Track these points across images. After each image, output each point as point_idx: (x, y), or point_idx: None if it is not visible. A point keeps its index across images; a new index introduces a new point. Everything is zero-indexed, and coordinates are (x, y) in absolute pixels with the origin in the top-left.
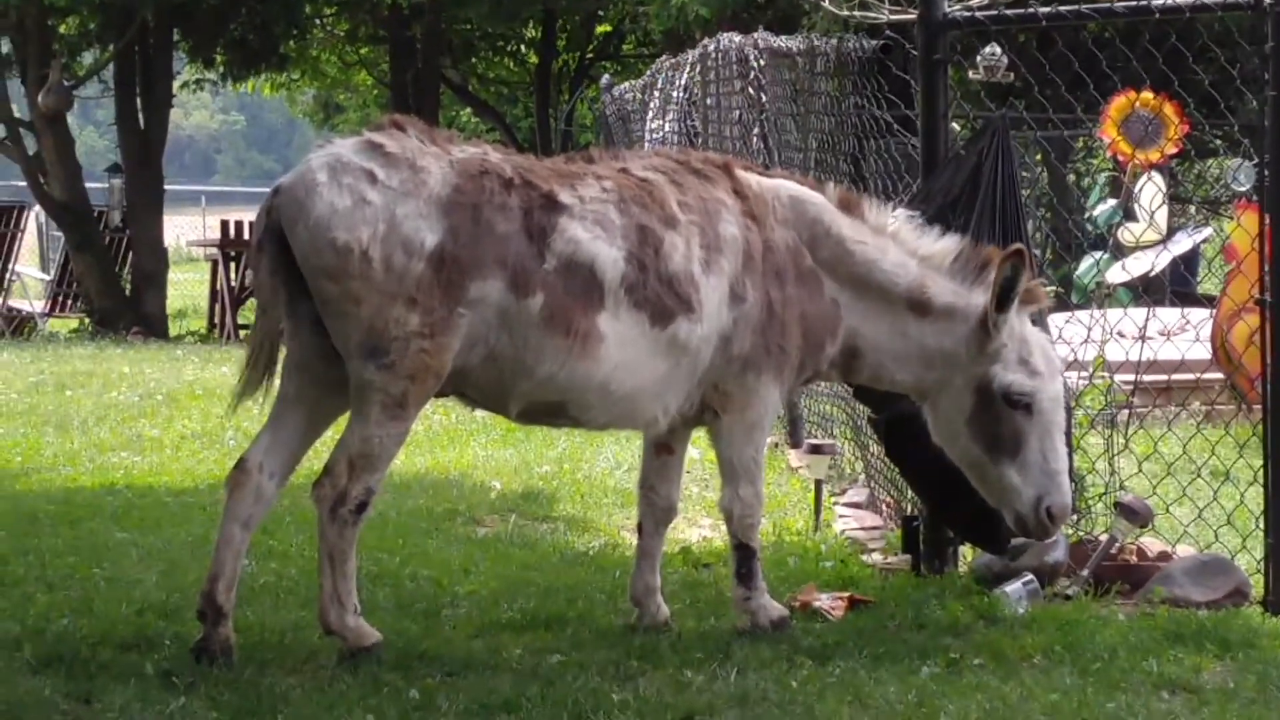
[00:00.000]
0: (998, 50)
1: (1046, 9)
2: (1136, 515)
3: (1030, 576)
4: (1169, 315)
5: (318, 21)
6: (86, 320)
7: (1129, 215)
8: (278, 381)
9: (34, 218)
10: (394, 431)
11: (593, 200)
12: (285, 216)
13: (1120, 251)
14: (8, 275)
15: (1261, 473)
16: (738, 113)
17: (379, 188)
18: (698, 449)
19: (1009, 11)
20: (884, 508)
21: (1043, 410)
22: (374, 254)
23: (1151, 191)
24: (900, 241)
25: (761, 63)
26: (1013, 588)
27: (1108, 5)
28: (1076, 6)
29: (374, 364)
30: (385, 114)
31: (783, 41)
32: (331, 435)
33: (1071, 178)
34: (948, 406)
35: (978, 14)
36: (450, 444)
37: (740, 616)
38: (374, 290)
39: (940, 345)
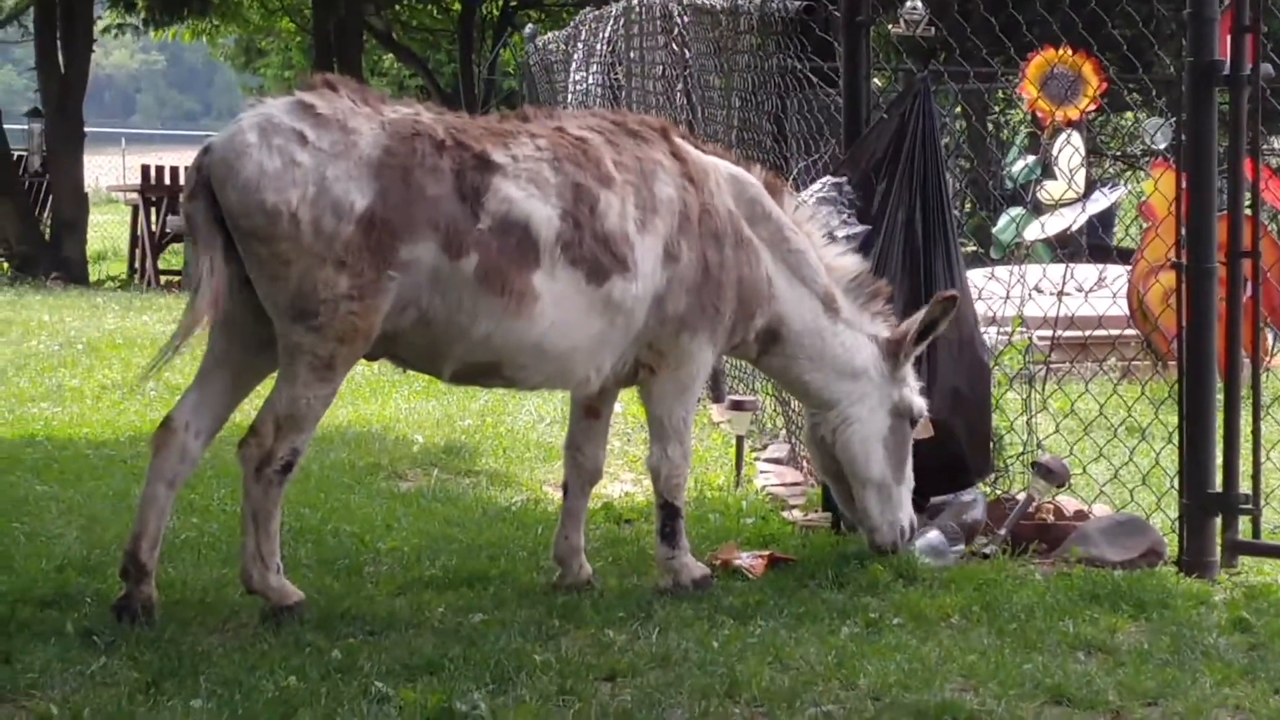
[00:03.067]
0: (919, 5)
1: None
2: (1054, 475)
3: (939, 534)
4: (1086, 272)
5: None
6: (5, 265)
7: (1047, 173)
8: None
9: None
10: (321, 393)
11: (527, 159)
12: (215, 177)
13: (1039, 209)
14: None
15: (1176, 432)
16: (661, 68)
17: (309, 149)
18: (620, 403)
19: None
20: (804, 464)
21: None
22: (303, 216)
23: (1070, 151)
24: (812, 237)
25: (685, 19)
26: (922, 542)
27: None
28: None
29: (302, 325)
30: (307, 59)
31: None
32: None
33: (990, 128)
34: (863, 424)
35: None
36: (373, 396)
37: (662, 575)
38: (303, 252)
39: (851, 357)
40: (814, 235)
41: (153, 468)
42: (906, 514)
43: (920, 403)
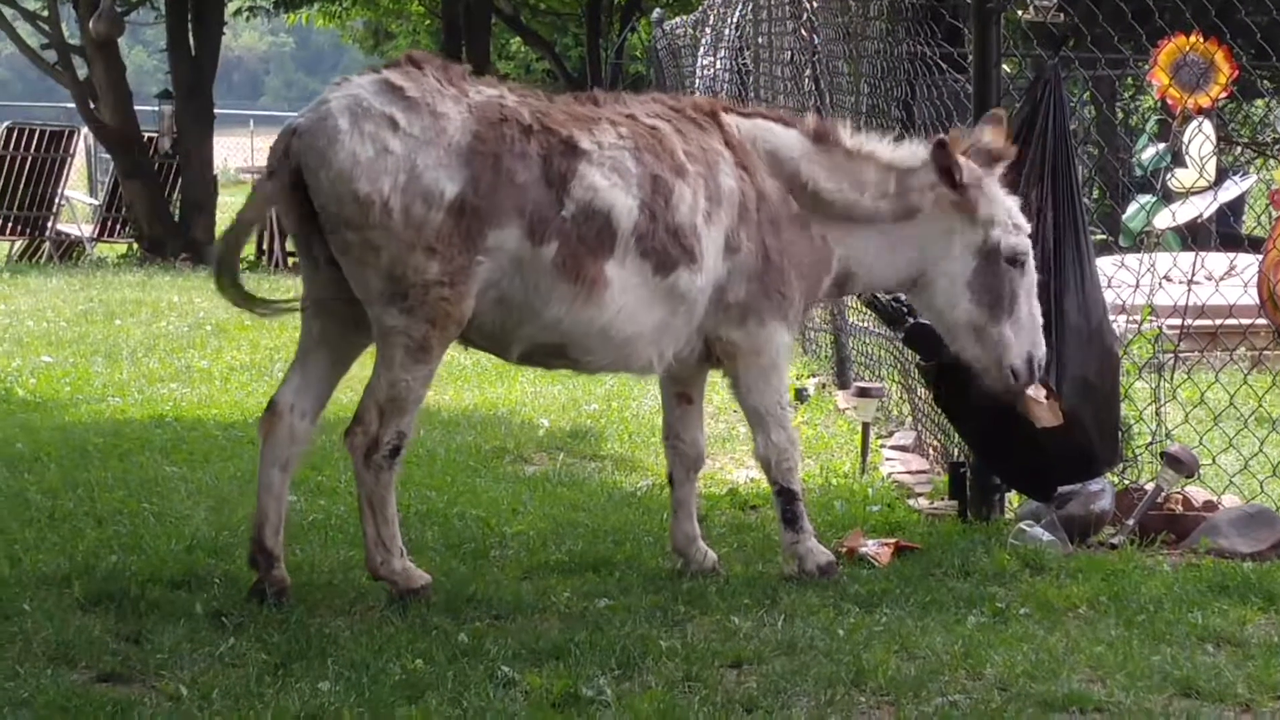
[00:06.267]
0: None
1: None
2: (1183, 465)
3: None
4: (1217, 261)
5: None
6: (135, 246)
7: (1177, 160)
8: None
9: (82, 140)
10: (419, 374)
11: (610, 146)
12: (305, 163)
13: (1169, 197)
14: (58, 199)
15: None
16: (789, 53)
17: (400, 136)
18: None
19: None
20: (931, 452)
21: (1029, 268)
22: (394, 204)
23: (1200, 139)
24: (876, 160)
25: (814, 4)
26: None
27: None
28: None
29: (394, 309)
30: (435, 42)
31: None
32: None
33: (1120, 115)
34: (947, 276)
35: None
36: (498, 380)
37: (787, 561)
38: (393, 239)
39: (933, 230)
40: (877, 151)
41: (264, 454)
42: (1018, 353)
43: (1015, 241)
